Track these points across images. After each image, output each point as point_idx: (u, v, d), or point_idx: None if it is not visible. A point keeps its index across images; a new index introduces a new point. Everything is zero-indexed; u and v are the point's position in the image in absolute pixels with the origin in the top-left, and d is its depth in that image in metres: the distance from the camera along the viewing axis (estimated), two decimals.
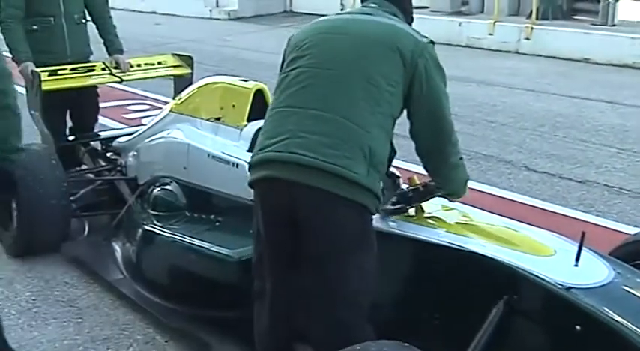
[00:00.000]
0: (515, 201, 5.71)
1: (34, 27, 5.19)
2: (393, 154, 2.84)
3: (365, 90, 2.64)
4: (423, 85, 2.70)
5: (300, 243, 2.66)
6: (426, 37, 2.80)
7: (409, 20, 2.97)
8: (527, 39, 13.10)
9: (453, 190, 3.00)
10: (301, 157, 2.57)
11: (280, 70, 2.87)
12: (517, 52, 13.15)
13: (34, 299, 4.13)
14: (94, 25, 5.50)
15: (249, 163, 2.78)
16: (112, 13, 5.61)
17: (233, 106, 4.12)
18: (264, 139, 2.73)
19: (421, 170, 2.94)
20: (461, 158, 2.94)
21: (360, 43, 2.73)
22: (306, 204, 2.60)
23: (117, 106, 8.26)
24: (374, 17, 2.84)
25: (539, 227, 3.18)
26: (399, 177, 3.20)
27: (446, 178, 2.94)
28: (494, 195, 5.82)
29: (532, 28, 13.05)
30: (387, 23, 2.81)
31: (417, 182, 3.08)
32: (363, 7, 2.97)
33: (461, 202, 3.18)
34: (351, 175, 2.54)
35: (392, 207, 3.07)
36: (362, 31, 2.78)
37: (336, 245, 2.60)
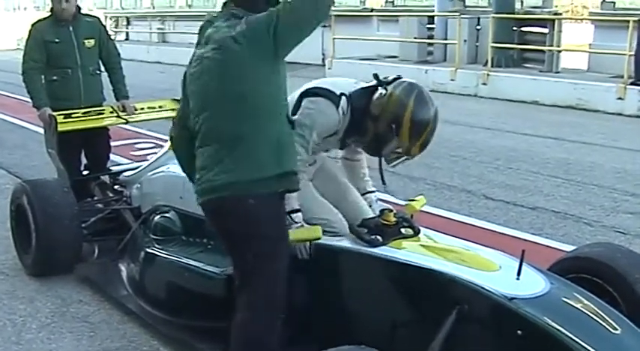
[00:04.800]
0: (475, 225, 5.73)
1: (54, 78, 5.26)
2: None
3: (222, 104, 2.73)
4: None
5: None
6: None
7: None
8: (485, 84, 13.23)
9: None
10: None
11: None
12: (476, 96, 13.27)
13: (52, 315, 4.12)
14: (107, 75, 5.56)
15: None
16: (122, 63, 5.66)
17: None
18: None
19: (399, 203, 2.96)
20: None
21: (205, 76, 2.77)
22: None
23: (126, 144, 8.28)
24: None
25: (493, 247, 3.22)
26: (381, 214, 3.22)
27: None
28: (456, 220, 5.84)
29: (488, 75, 13.21)
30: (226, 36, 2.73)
31: (393, 219, 3.13)
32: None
33: (425, 227, 3.24)
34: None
35: (367, 237, 3.08)
36: (206, 65, 2.79)
37: None
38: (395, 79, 3.32)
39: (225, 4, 2.87)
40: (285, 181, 2.78)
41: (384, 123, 3.22)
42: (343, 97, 3.28)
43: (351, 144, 3.52)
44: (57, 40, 5.19)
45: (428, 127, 3.24)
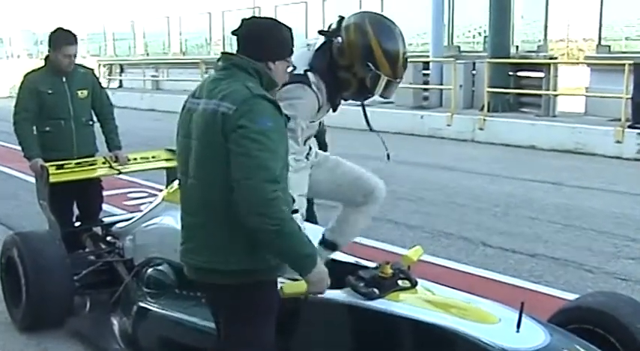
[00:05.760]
0: (473, 274, 5.70)
1: (47, 128, 5.29)
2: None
3: (211, 187, 2.62)
4: (234, 153, 2.52)
5: None
6: (237, 101, 2.55)
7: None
8: (481, 129, 13.34)
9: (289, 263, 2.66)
10: (190, 261, 2.79)
11: None
12: (472, 141, 13.37)
13: None
14: (99, 125, 5.60)
15: None
16: (115, 109, 5.72)
17: None
18: None
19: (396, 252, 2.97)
20: (277, 225, 2.49)
21: (194, 150, 2.65)
22: None
23: (119, 194, 8.28)
24: (203, 105, 2.64)
25: (493, 297, 3.22)
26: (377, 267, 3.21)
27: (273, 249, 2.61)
28: (454, 269, 5.81)
29: (485, 120, 13.33)
30: (207, 111, 2.61)
31: (390, 272, 3.13)
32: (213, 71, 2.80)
33: (424, 279, 3.24)
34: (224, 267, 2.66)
35: (364, 289, 3.07)
36: (194, 135, 2.66)
37: None
38: (338, 22, 3.34)
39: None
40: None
41: (359, 66, 3.25)
42: (309, 73, 3.29)
43: (340, 101, 3.52)
44: (50, 91, 5.23)
45: (399, 43, 3.28)
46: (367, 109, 3.61)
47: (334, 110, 3.55)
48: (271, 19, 2.85)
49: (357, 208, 3.76)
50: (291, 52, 2.78)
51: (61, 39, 5.22)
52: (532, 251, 6.29)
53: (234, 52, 2.74)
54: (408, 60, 3.37)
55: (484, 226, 7.17)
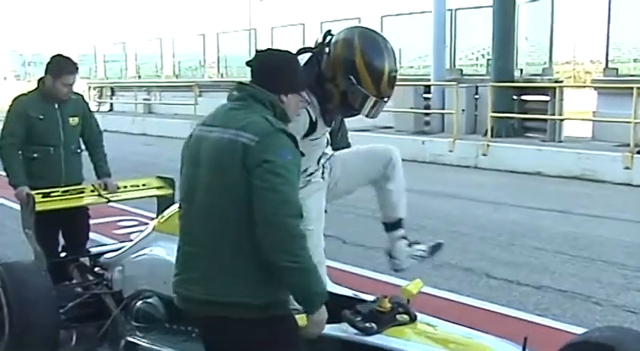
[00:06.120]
0: (476, 307, 5.68)
1: (35, 155, 5.28)
2: None
3: (222, 219, 2.65)
4: (258, 190, 2.57)
5: None
6: (260, 132, 2.61)
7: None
8: (485, 155, 13.37)
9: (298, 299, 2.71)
10: (192, 293, 2.75)
11: None
12: (476, 167, 13.40)
13: None
14: (87, 153, 5.61)
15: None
16: (105, 134, 5.74)
17: None
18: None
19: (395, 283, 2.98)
20: (293, 261, 2.57)
21: (206, 180, 2.68)
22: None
23: (108, 222, 8.26)
24: (218, 133, 2.69)
25: (497, 332, 3.22)
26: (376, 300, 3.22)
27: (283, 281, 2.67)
28: (457, 302, 5.79)
29: (488, 145, 13.37)
30: (224, 140, 2.66)
31: (389, 306, 3.13)
32: (227, 100, 2.83)
33: (424, 313, 3.23)
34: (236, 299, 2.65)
35: (361, 324, 3.08)
36: (205, 164, 2.69)
37: None
38: (324, 36, 3.36)
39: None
40: None
41: (341, 78, 3.25)
42: None
43: (330, 116, 3.51)
44: (42, 117, 5.23)
45: (384, 61, 3.26)
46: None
47: (328, 125, 3.55)
48: (287, 51, 2.94)
49: (386, 181, 3.77)
50: (305, 86, 2.86)
51: (62, 67, 5.22)
52: (538, 283, 6.27)
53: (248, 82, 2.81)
54: (397, 80, 3.36)
55: (488, 257, 7.17)
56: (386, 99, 3.35)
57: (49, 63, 5.29)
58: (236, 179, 2.60)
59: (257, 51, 2.88)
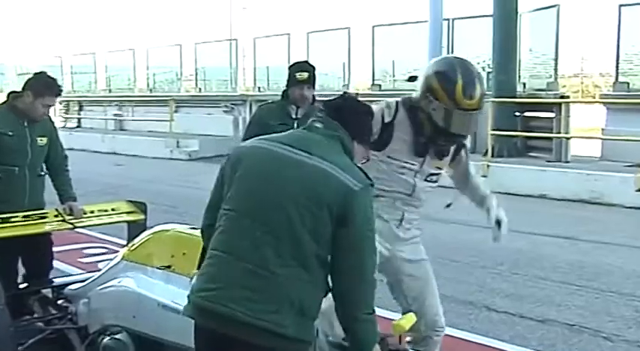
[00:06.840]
0: (477, 343, 5.69)
1: None
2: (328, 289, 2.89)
3: (293, 246, 2.73)
4: (350, 240, 2.75)
5: None
6: (362, 180, 2.79)
7: (351, 145, 2.94)
8: (485, 176, 13.30)
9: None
10: (232, 311, 2.71)
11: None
12: None
13: None
14: (49, 177, 5.57)
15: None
16: (73, 153, 5.73)
17: (184, 253, 4.16)
18: (201, 282, 2.87)
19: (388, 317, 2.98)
20: (369, 313, 2.83)
21: (285, 202, 2.74)
22: None
23: (73, 249, 8.20)
24: (308, 160, 2.79)
25: None
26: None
27: (351, 333, 2.88)
28: (455, 337, 5.72)
29: (488, 166, 13.33)
30: (318, 169, 2.77)
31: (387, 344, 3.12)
32: (307, 130, 2.94)
33: None
34: (277, 329, 2.69)
35: None
36: (288, 186, 2.76)
37: None
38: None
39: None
40: None
41: (423, 101, 3.64)
42: (399, 101, 3.81)
43: (429, 148, 3.85)
44: (11, 133, 5.20)
45: (456, 71, 3.59)
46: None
47: (419, 156, 3.85)
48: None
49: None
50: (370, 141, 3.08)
51: (48, 87, 5.24)
52: (542, 316, 6.28)
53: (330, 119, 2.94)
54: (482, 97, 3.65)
55: (488, 288, 7.17)
56: (470, 111, 3.60)
57: (31, 79, 5.29)
58: (325, 216, 2.71)
59: (344, 93, 3.12)
